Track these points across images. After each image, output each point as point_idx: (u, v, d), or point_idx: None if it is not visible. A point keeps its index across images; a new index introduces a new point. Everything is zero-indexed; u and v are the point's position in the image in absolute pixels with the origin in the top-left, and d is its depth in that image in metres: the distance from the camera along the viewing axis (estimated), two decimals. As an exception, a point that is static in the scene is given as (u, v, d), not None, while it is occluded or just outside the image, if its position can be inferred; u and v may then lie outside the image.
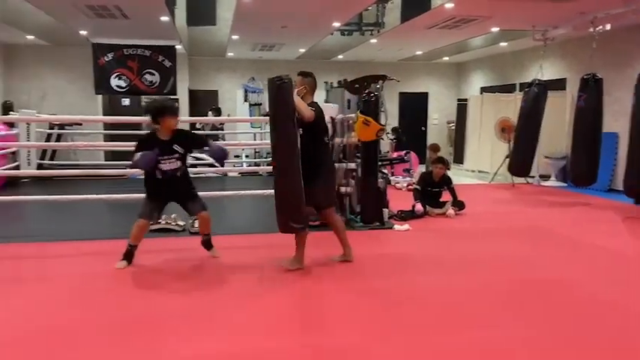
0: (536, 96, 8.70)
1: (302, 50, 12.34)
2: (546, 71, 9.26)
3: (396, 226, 5.95)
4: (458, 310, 3.49)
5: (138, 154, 4.17)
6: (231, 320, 3.29)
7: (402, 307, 3.52)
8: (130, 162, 4.29)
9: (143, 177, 4.44)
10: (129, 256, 4.35)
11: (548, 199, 8.32)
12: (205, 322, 3.23)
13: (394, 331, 3.13)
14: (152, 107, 4.38)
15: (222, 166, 4.60)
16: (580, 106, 7.94)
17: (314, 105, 4.29)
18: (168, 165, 4.28)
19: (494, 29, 9.42)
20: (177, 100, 12.77)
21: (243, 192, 6.33)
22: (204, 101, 13.56)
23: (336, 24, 9.33)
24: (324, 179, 4.29)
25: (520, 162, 8.92)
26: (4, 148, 8.34)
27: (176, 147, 4.28)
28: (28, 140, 9.05)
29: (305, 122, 4.10)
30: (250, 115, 12.32)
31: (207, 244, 4.65)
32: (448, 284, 3.99)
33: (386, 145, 10.27)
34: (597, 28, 7.87)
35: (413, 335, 3.08)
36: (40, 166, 9.48)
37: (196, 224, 5.46)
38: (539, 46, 9.33)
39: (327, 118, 6.25)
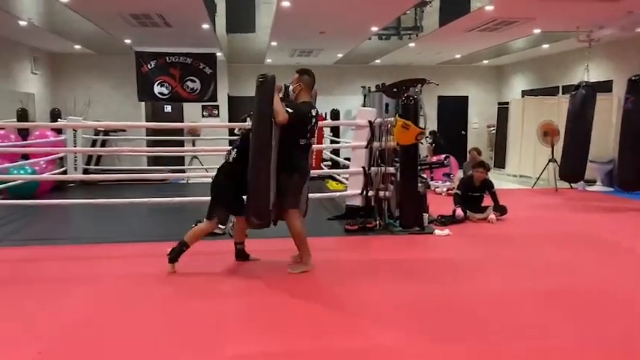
0: (583, 98, 8.48)
1: (340, 55, 12.37)
2: (591, 73, 9.03)
3: (437, 231, 5.87)
4: (503, 317, 3.41)
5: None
6: (283, 320, 3.31)
7: (444, 314, 3.47)
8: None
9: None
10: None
11: (594, 205, 8.07)
12: (259, 323, 3.27)
13: (438, 338, 3.08)
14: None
15: None
16: (627, 108, 7.69)
17: (303, 105, 4.28)
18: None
19: (536, 31, 9.22)
20: (217, 106, 13.02)
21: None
22: (243, 107, 13.74)
23: (374, 28, 9.33)
24: (292, 181, 4.24)
25: (571, 167, 8.71)
26: (52, 154, 8.64)
27: None
28: (75, 146, 9.35)
29: (279, 124, 4.11)
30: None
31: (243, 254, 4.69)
32: (489, 291, 3.91)
33: (424, 149, 10.18)
34: (645, 28, 7.63)
35: (458, 343, 3.03)
36: (86, 171, 9.78)
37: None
38: (584, 48, 9.09)
39: (364, 122, 6.31)
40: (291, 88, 4.33)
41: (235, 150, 4.47)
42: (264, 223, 4.23)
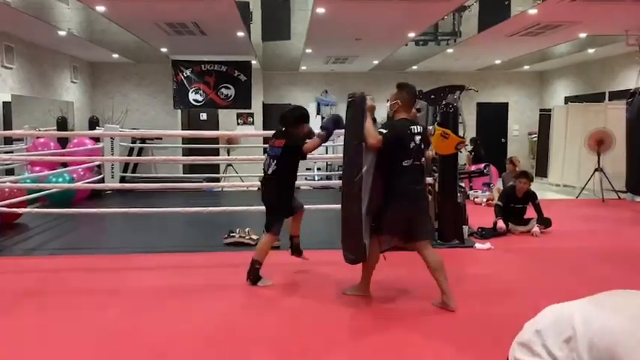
0: None
1: (375, 62, 12.19)
2: (640, 78, 8.58)
3: (477, 245, 5.62)
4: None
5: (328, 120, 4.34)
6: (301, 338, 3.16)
7: (492, 335, 3.25)
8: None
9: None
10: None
11: (645, 217, 7.66)
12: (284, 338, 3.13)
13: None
14: (299, 112, 4.56)
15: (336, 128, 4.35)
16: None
17: (399, 123, 3.82)
18: None
19: (582, 35, 8.85)
20: (252, 114, 13.02)
21: (314, 206, 6.19)
22: (278, 115, 13.70)
23: (411, 34, 9.13)
24: (389, 208, 3.73)
25: (637, 177, 8.30)
26: (90, 162, 8.73)
27: None
28: (112, 154, 9.43)
29: (370, 147, 3.70)
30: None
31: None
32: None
33: (462, 157, 9.89)
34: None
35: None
36: (122, 179, 9.85)
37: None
38: (632, 52, 8.68)
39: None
40: (389, 104, 3.93)
41: (275, 161, 4.25)
42: (358, 258, 3.79)
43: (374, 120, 3.87)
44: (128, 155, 10.27)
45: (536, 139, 12.89)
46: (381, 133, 3.72)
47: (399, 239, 3.84)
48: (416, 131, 3.78)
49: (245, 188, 10.15)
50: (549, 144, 11.71)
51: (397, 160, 3.72)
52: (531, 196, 6.52)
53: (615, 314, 1.37)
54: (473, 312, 3.65)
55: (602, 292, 1.52)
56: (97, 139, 9.34)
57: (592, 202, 9.06)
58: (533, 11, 7.08)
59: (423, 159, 3.90)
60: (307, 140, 4.30)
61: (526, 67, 13.57)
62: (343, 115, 3.97)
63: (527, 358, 1.47)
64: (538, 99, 14.42)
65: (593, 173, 9.20)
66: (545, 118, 12.29)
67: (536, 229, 6.27)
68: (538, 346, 1.45)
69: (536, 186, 7.63)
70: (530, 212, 6.51)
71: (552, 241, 6.01)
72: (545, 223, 6.41)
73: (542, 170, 12.08)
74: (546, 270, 4.87)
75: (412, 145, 3.74)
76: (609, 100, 10.95)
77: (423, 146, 3.88)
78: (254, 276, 4.18)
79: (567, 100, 12.72)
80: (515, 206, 6.47)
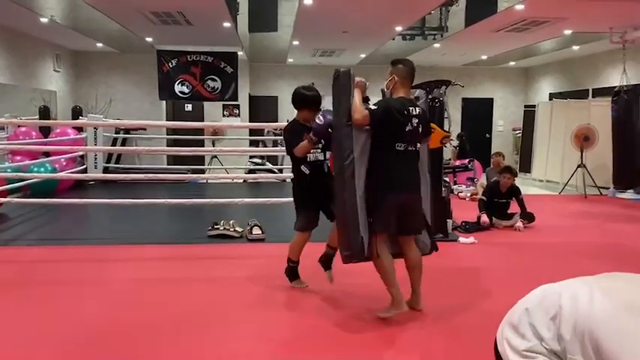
0: (627, 103, 8.20)
1: (362, 56, 12.18)
2: (625, 76, 8.67)
3: (461, 239, 5.65)
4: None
5: (318, 121, 3.56)
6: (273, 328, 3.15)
7: (476, 330, 3.27)
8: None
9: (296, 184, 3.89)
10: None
11: (626, 213, 7.76)
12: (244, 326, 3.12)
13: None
14: (295, 94, 3.88)
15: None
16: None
17: (393, 101, 3.34)
18: (314, 156, 3.74)
19: (567, 32, 8.92)
20: (238, 106, 12.91)
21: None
22: (264, 107, 13.65)
23: (399, 28, 9.13)
24: (375, 197, 3.28)
25: (624, 174, 8.46)
26: (73, 152, 8.62)
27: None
28: (96, 144, 9.33)
29: (356, 124, 3.25)
30: (309, 121, 12.26)
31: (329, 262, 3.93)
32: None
33: (447, 152, 9.93)
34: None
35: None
36: (106, 170, 9.75)
37: (254, 231, 5.42)
38: (616, 50, 8.77)
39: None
40: (385, 83, 3.45)
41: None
42: (353, 255, 3.24)
43: (366, 99, 3.45)
44: (112, 146, 10.16)
45: (520, 134, 13.00)
46: (369, 109, 3.29)
47: (393, 232, 3.41)
48: (414, 113, 3.32)
49: (230, 180, 10.13)
50: (533, 140, 11.81)
51: (388, 143, 3.27)
52: (515, 191, 6.57)
53: (604, 298, 1.37)
54: (456, 304, 3.67)
55: (603, 274, 1.51)
56: (80, 129, 9.22)
57: (574, 197, 9.17)
58: (519, 7, 7.10)
59: (419, 145, 3.42)
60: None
61: (512, 64, 13.65)
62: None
63: (514, 338, 1.47)
64: (523, 95, 14.53)
65: (576, 169, 9.31)
66: (529, 114, 12.39)
67: (519, 223, 6.33)
68: (525, 325, 1.45)
69: (519, 181, 7.70)
70: (514, 207, 6.57)
71: (535, 236, 6.07)
72: (528, 217, 6.47)
73: (525, 166, 12.19)
74: (529, 264, 4.92)
75: (408, 127, 3.28)
76: (593, 97, 11.08)
77: (421, 131, 3.38)
78: (288, 274, 3.95)
79: (551, 96, 12.83)
80: (499, 201, 6.52)
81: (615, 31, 8.43)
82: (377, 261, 3.30)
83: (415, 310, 3.45)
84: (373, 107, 3.30)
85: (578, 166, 9.26)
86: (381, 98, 3.57)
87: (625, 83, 8.36)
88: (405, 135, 3.28)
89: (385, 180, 3.28)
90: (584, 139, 9.24)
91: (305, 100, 3.80)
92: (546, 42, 10.14)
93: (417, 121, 3.32)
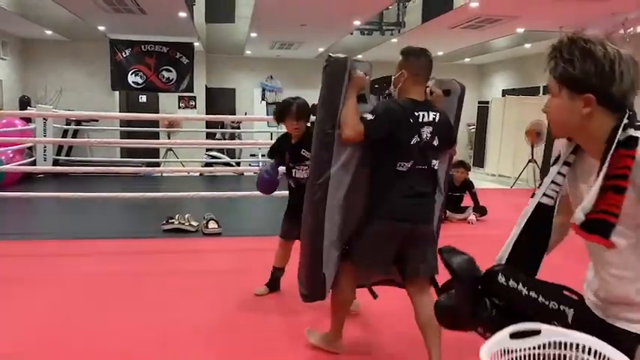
0: None
1: (321, 49, 12.19)
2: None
3: (416, 232, 5.74)
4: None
5: (262, 171, 3.51)
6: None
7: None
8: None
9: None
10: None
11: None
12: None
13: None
14: (277, 108, 3.62)
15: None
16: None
17: (397, 104, 2.51)
18: (300, 173, 3.47)
19: (520, 30, 9.16)
20: (194, 97, 12.71)
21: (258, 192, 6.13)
22: (221, 99, 13.49)
23: (357, 23, 9.17)
24: (367, 229, 2.52)
25: None
26: (20, 144, 8.30)
27: (304, 152, 3.35)
28: (45, 136, 9.01)
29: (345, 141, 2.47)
30: (267, 114, 12.20)
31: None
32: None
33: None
34: (628, 30, 7.59)
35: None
36: (56, 162, 9.43)
37: (210, 225, 5.35)
38: (566, 48, 9.05)
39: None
40: (393, 79, 2.64)
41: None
42: (311, 294, 2.67)
43: (362, 98, 2.64)
44: (62, 137, 9.84)
45: (474, 130, 13.30)
46: (363, 120, 2.45)
47: (380, 274, 2.83)
48: (426, 120, 2.49)
49: (186, 173, 9.96)
50: (486, 135, 12.11)
51: (387, 161, 2.48)
52: (468, 186, 6.71)
53: None
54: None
55: None
56: (28, 120, 8.88)
57: (525, 191, 9.44)
58: (474, 4, 7.24)
59: (435, 162, 2.56)
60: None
61: (467, 60, 13.93)
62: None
63: None
64: (477, 91, 14.85)
65: (527, 164, 9.60)
66: (483, 110, 12.69)
67: (472, 217, 6.48)
68: None
69: (473, 175, 7.86)
70: (467, 201, 6.72)
71: (488, 229, 6.22)
72: (481, 211, 6.63)
73: (479, 160, 12.50)
74: (483, 256, 4.99)
75: (415, 139, 2.46)
76: (543, 94, 11.42)
77: (437, 144, 2.54)
78: (270, 280, 3.77)
79: (504, 92, 13.17)
80: (453, 194, 6.64)
81: (565, 30, 8.68)
82: (335, 290, 2.66)
83: None
84: (369, 117, 2.45)
85: (529, 161, 9.55)
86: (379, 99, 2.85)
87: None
88: (410, 151, 2.47)
89: (379, 208, 2.50)
90: (537, 135, 9.53)
91: (283, 112, 3.46)
92: (500, 39, 10.40)
93: (430, 130, 2.49)
